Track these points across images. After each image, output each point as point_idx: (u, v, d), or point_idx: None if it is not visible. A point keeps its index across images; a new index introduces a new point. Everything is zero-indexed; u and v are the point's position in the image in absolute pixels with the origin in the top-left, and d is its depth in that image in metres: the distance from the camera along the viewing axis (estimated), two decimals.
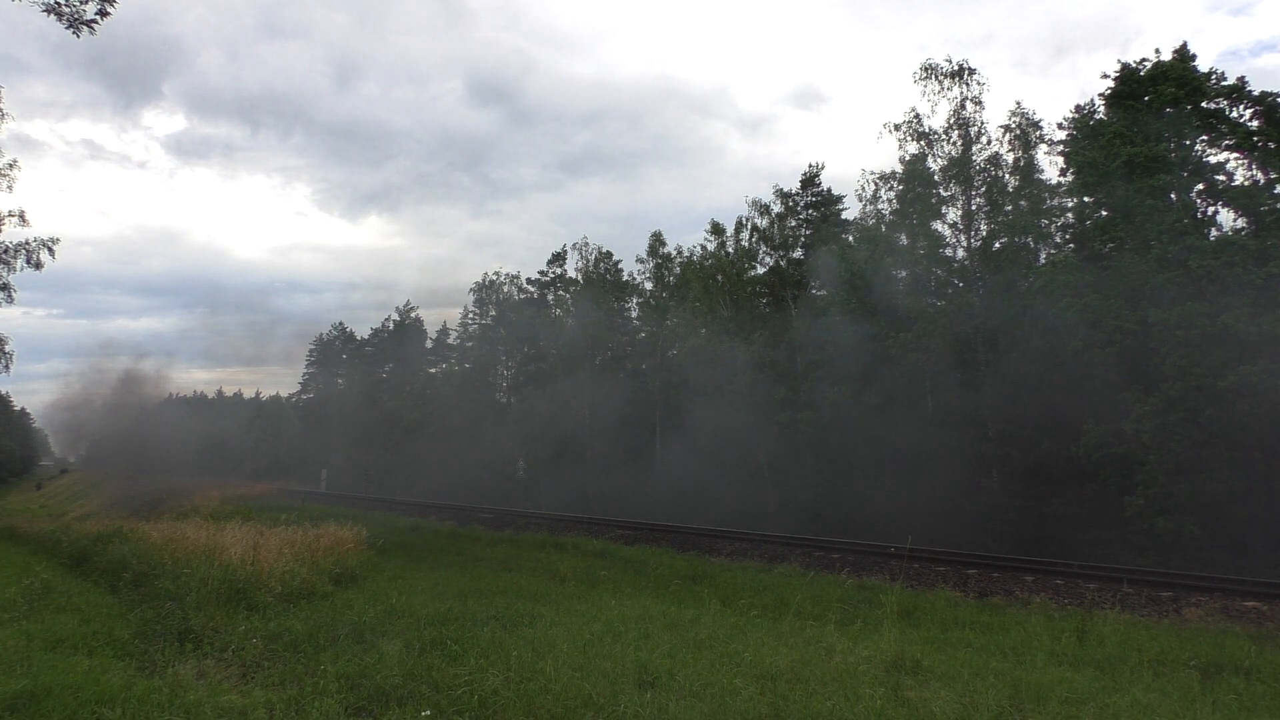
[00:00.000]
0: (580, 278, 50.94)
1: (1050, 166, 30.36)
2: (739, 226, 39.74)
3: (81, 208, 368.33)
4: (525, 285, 56.58)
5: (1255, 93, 22.46)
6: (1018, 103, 33.61)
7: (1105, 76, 25.96)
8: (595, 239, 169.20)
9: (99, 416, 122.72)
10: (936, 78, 30.45)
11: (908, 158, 31.44)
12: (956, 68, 30.20)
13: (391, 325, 77.26)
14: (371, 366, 76.82)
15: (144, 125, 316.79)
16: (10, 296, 26.73)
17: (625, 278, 49.75)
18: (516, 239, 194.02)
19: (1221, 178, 22.87)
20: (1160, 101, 23.42)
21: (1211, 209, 23.17)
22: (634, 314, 50.42)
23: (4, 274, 26.41)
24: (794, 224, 38.89)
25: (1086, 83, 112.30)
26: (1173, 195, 22.98)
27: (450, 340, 68.82)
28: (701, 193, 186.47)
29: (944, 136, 30.58)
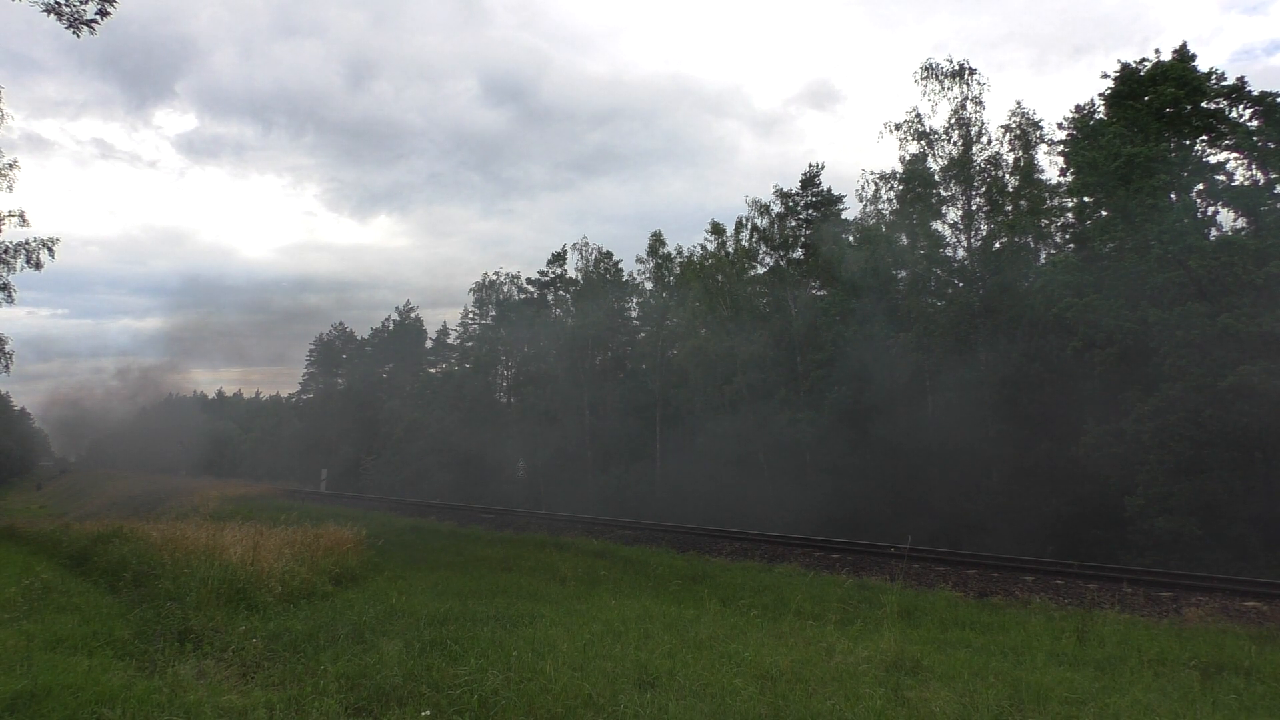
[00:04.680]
0: (580, 278, 50.95)
1: (1050, 166, 30.40)
2: (739, 226, 39.79)
3: (90, 207, 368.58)
4: (525, 285, 56.62)
5: (1255, 93, 22.47)
6: (1018, 103, 33.65)
7: (1105, 76, 26.00)
8: (605, 239, 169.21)
9: (94, 415, 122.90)
10: (937, 77, 30.47)
11: (908, 157, 31.46)
12: (957, 67, 30.22)
13: (391, 325, 77.31)
14: (371, 366, 76.84)
15: (155, 124, 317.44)
16: (10, 297, 26.71)
17: (625, 278, 49.77)
18: (525, 238, 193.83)
19: (1221, 178, 22.86)
20: (1160, 101, 23.41)
21: (1211, 209, 23.16)
22: (634, 314, 50.43)
23: (4, 274, 26.40)
24: (794, 224, 38.91)
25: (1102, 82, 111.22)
26: (1173, 195, 22.96)
27: (450, 340, 68.89)
28: (713, 192, 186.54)
29: (944, 136, 30.60)
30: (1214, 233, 22.72)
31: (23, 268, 26.46)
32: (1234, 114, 22.96)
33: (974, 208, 30.07)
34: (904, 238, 31.91)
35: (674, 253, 45.04)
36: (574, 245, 55.03)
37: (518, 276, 57.99)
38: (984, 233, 29.96)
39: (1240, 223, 22.65)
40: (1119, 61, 30.37)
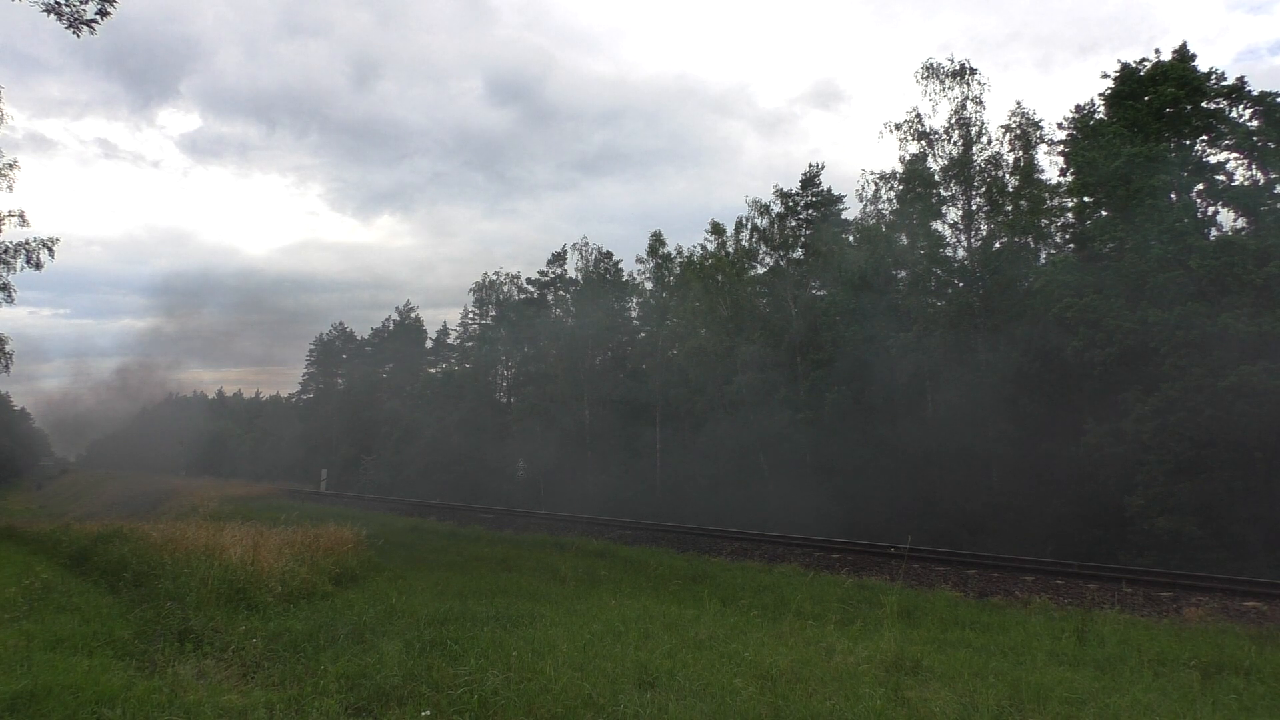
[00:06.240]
0: (580, 278, 50.95)
1: (1050, 166, 30.40)
2: (739, 226, 39.76)
3: (92, 207, 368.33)
4: (525, 285, 56.62)
5: (1255, 93, 22.49)
6: (1018, 102, 33.67)
7: (1105, 76, 26.01)
8: (608, 239, 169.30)
9: (94, 415, 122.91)
10: (938, 77, 30.46)
11: (908, 157, 31.45)
12: (958, 67, 30.22)
13: (391, 325, 77.32)
14: (371, 366, 76.85)
15: (159, 124, 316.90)
16: (10, 296, 26.72)
17: (625, 278, 49.76)
18: (527, 238, 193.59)
19: (1221, 178, 22.87)
20: (1160, 101, 23.42)
21: (1211, 209, 23.17)
22: (634, 314, 50.41)
23: (3, 274, 26.40)
24: (794, 224, 38.89)
25: (1103, 82, 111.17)
26: (1173, 195, 22.97)
27: (450, 340, 68.91)
28: (717, 193, 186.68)
29: (945, 136, 30.58)
30: (1214, 233, 22.73)
31: (23, 268, 26.49)
32: (1234, 114, 22.98)
33: (974, 208, 30.06)
34: (904, 237, 31.90)
35: (674, 253, 45.05)
36: (574, 245, 55.10)
37: (518, 276, 58.05)
38: (984, 233, 29.95)
39: (1240, 223, 22.67)
40: (1119, 61, 30.40)
